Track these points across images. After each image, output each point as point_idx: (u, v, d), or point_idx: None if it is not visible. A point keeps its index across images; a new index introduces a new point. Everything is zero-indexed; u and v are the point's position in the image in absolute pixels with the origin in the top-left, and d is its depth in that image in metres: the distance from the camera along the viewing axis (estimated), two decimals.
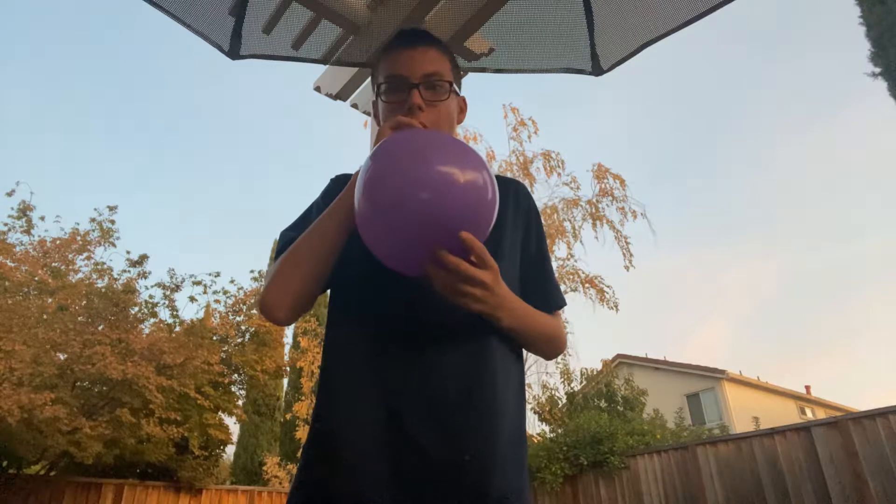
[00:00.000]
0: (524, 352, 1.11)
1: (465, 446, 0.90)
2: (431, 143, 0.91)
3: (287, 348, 14.72)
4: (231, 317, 11.53)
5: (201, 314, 11.57)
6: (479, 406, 0.93)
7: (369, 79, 2.49)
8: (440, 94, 1.06)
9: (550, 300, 1.12)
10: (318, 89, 2.58)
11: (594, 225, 11.78)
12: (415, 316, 0.98)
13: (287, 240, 1.08)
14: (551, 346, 1.11)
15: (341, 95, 2.56)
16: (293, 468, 13.84)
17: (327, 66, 2.50)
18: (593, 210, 11.84)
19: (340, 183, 1.15)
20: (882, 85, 8.01)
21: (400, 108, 1.04)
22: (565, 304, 1.16)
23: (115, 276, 10.10)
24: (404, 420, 0.91)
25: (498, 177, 1.19)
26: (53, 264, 9.68)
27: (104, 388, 9.31)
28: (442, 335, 0.97)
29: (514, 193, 1.14)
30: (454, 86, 1.10)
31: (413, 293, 0.97)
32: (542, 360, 12.21)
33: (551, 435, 10.88)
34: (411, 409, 0.91)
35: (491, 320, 0.95)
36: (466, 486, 0.88)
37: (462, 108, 1.17)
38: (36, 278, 9.14)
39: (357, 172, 1.04)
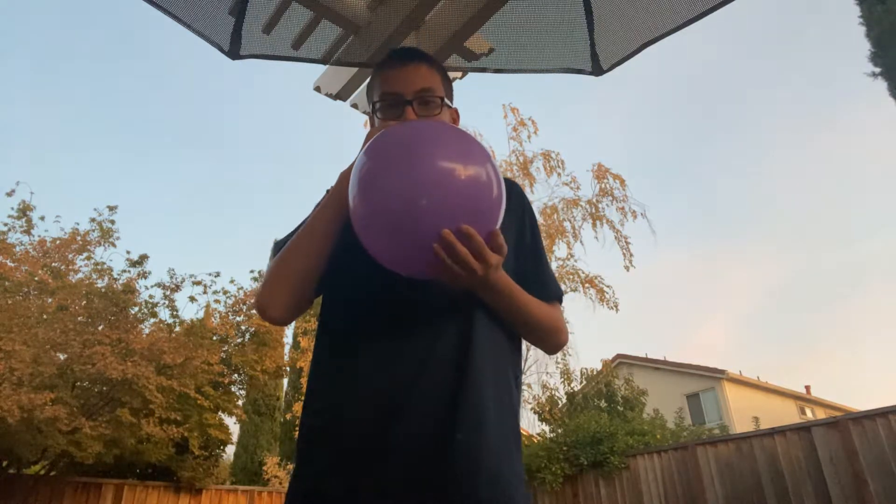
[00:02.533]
0: (523, 349, 1.12)
1: (456, 426, 0.92)
2: (428, 135, 0.87)
3: (287, 348, 14.72)
4: (231, 317, 11.52)
5: (201, 314, 11.57)
6: (469, 393, 0.95)
7: (369, 79, 2.49)
8: (433, 110, 1.09)
9: (547, 291, 1.14)
10: (318, 89, 2.58)
11: (594, 225, 11.78)
12: (405, 309, 1.00)
13: (280, 244, 1.12)
14: (552, 337, 1.12)
15: (341, 95, 2.56)
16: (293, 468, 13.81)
17: (327, 66, 2.50)
18: (593, 210, 11.84)
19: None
20: (882, 85, 8.01)
21: None
22: (562, 294, 1.18)
23: (115, 276, 10.11)
24: (396, 409, 0.93)
25: None
26: (53, 264, 9.68)
27: (104, 388, 9.31)
28: (432, 328, 0.99)
29: (507, 196, 1.17)
30: (446, 100, 1.13)
31: (402, 287, 0.98)
32: (541, 360, 12.25)
33: (551, 435, 10.88)
34: (403, 400, 0.93)
35: (483, 297, 0.98)
36: (459, 466, 0.90)
37: (454, 119, 1.19)
38: (36, 278, 9.14)
39: (351, 165, 1.04)
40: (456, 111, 1.19)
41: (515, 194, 1.19)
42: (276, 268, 1.05)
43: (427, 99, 1.08)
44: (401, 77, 1.09)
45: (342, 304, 1.06)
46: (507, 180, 1.20)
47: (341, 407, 0.96)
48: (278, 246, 1.12)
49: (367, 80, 2.50)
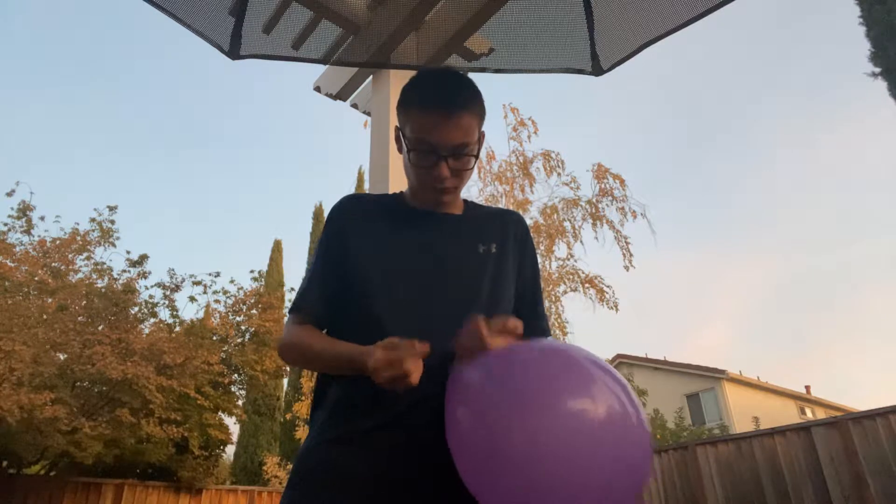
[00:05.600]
0: None
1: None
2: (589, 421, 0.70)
3: None
4: (231, 317, 11.53)
5: (201, 314, 11.58)
6: None
7: (370, 78, 2.49)
8: (467, 164, 1.09)
9: (540, 328, 1.20)
10: (318, 89, 2.58)
11: (594, 225, 11.76)
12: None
13: (298, 308, 1.13)
14: None
15: (341, 95, 2.57)
16: None
17: (327, 66, 2.50)
18: (593, 210, 11.82)
19: (346, 210, 1.17)
20: (882, 85, 8.02)
21: (427, 173, 1.08)
22: (548, 334, 1.23)
23: (115, 276, 10.12)
24: (407, 424, 0.96)
25: (495, 208, 1.26)
26: (53, 264, 9.68)
27: (104, 388, 9.31)
28: (447, 357, 0.99)
29: (513, 224, 1.22)
30: (480, 140, 1.13)
31: (423, 321, 1.02)
32: None
33: None
34: (415, 417, 0.96)
35: None
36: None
37: (481, 141, 1.17)
38: (36, 278, 9.14)
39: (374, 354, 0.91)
40: (482, 134, 1.17)
41: (521, 227, 1.23)
42: (299, 360, 1.12)
43: (462, 153, 1.07)
44: (440, 129, 1.04)
45: (367, 332, 1.03)
46: (511, 211, 1.26)
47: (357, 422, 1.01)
48: (297, 306, 1.13)
49: (368, 80, 2.51)
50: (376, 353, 0.88)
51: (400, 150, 1.15)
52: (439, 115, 1.04)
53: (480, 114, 1.11)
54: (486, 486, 0.73)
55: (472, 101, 1.08)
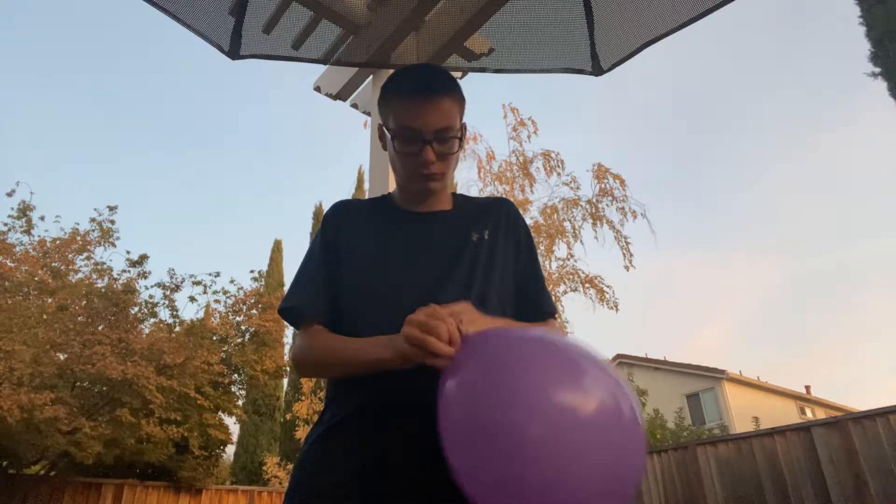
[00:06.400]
0: None
1: None
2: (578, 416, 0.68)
3: (287, 348, 14.73)
4: (231, 317, 11.53)
5: (201, 314, 11.58)
6: None
7: (370, 78, 2.49)
8: (452, 147, 1.10)
9: (543, 309, 1.19)
10: (318, 89, 2.59)
11: (594, 225, 11.77)
12: None
13: (293, 307, 1.11)
14: None
15: (341, 95, 2.57)
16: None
17: (327, 66, 2.50)
18: (593, 210, 11.83)
19: (339, 215, 1.18)
20: (882, 85, 8.02)
21: (413, 160, 1.09)
22: (555, 313, 1.23)
23: (115, 276, 10.11)
24: (403, 417, 0.97)
25: (487, 198, 1.27)
26: (53, 264, 9.67)
27: (104, 388, 9.30)
28: None
29: (505, 213, 1.22)
30: (462, 130, 1.14)
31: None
32: None
33: None
34: (410, 411, 0.95)
35: None
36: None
37: (464, 133, 1.19)
38: (36, 278, 9.14)
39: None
40: (464, 126, 1.18)
41: (513, 214, 1.24)
42: (319, 370, 1.11)
43: (447, 137, 1.09)
44: (422, 113, 1.06)
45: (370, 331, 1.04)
46: (503, 200, 1.27)
47: (355, 413, 1.02)
48: (290, 303, 1.11)
49: (368, 80, 2.51)
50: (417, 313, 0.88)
51: (384, 146, 1.16)
52: (420, 100, 1.07)
53: (460, 100, 1.13)
54: (471, 472, 0.72)
55: (451, 88, 1.11)
